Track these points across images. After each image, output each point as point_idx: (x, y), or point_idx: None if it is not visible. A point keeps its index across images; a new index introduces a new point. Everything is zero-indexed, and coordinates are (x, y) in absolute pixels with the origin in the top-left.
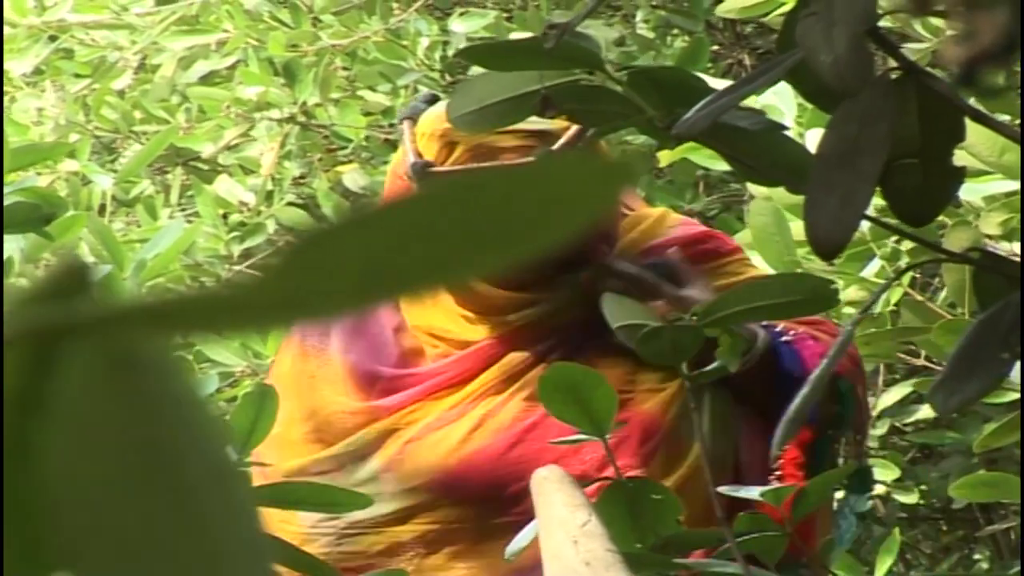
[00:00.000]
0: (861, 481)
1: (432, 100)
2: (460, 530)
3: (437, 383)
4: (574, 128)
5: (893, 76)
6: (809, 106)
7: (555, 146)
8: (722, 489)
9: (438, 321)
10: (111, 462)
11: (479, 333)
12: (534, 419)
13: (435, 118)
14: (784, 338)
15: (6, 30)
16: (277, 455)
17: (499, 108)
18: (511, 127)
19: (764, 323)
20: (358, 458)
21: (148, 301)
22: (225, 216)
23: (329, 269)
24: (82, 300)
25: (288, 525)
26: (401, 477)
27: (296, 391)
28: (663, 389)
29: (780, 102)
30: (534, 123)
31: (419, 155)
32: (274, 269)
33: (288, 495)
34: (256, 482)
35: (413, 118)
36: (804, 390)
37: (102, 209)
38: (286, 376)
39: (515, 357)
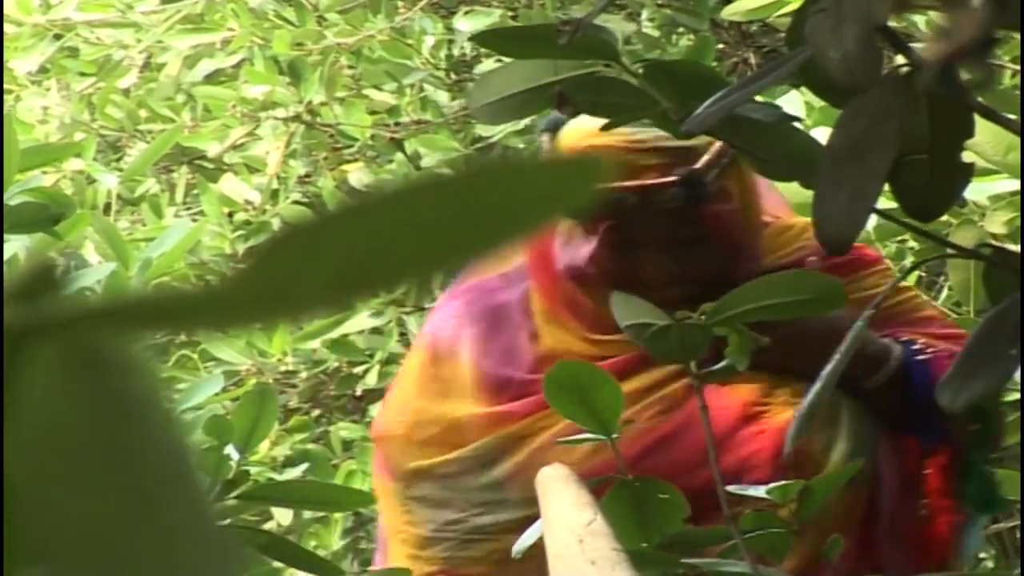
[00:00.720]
0: (987, 501)
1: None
2: None
3: None
4: (717, 145)
5: (902, 72)
6: (816, 106)
7: (698, 164)
8: (731, 488)
9: (574, 345)
10: (74, 461)
11: (614, 352)
12: (665, 432)
13: (577, 133)
14: (919, 356)
15: (11, 28)
16: (401, 455)
17: (517, 99)
18: (654, 145)
19: (904, 338)
20: (485, 463)
21: (115, 300)
22: (230, 215)
23: (305, 264)
24: (49, 300)
25: (412, 528)
26: (526, 484)
27: (423, 394)
28: (798, 402)
29: (788, 106)
30: (676, 140)
31: None
32: (249, 267)
33: (289, 494)
34: (377, 479)
35: (553, 130)
36: (817, 385)
37: (107, 208)
38: (413, 377)
39: (653, 371)
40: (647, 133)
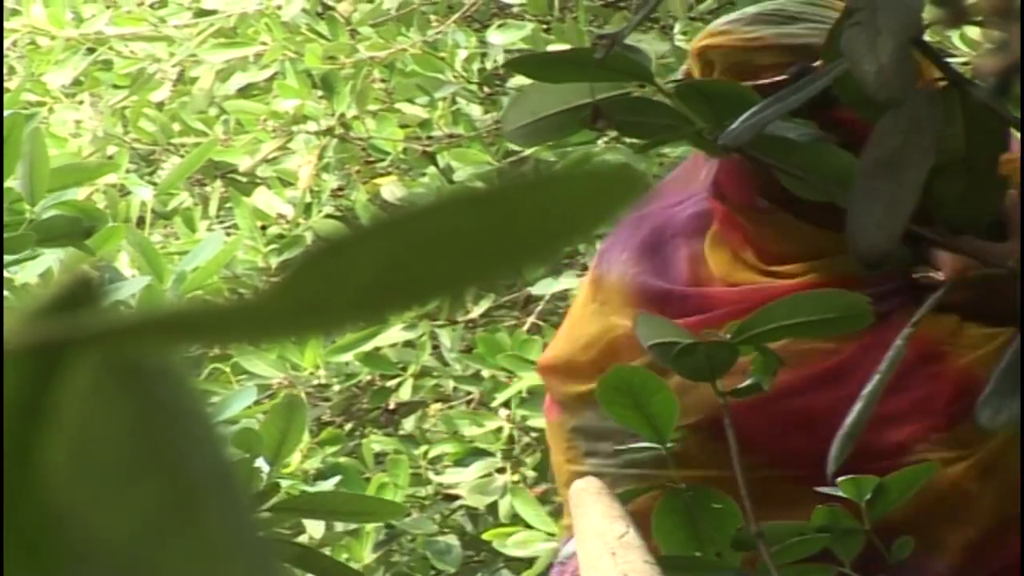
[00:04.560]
0: None
1: None
2: (725, 480)
3: (735, 309)
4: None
5: (938, 86)
6: None
7: (815, 63)
8: (822, 489)
9: (743, 275)
10: (113, 473)
11: (784, 282)
12: (837, 360)
13: (699, 34)
14: None
15: (44, 42)
16: (563, 383)
17: (552, 120)
18: (773, 43)
19: None
20: None
21: (154, 313)
22: (263, 228)
23: (341, 279)
24: (89, 311)
25: (572, 466)
26: (683, 408)
27: (582, 318)
28: (984, 346)
29: None
30: (796, 38)
31: (688, 74)
32: (282, 281)
33: (320, 505)
34: (546, 420)
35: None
36: (858, 405)
37: (140, 221)
38: (577, 305)
39: None
40: (766, 30)
